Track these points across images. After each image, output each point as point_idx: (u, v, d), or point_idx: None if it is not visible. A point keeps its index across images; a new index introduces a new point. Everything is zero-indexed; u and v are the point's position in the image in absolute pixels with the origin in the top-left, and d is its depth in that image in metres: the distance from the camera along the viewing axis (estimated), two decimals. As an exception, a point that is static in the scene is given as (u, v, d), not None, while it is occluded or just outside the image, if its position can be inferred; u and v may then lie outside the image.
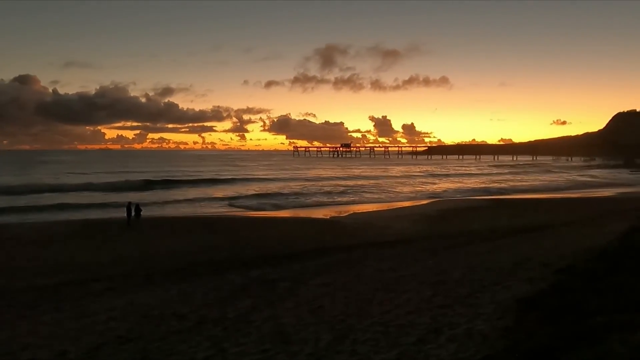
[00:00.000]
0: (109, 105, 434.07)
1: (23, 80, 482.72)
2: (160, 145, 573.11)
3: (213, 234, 21.29)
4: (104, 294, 10.35)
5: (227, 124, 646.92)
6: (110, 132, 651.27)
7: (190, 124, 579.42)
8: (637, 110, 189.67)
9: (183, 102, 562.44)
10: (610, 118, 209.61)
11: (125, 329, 7.13)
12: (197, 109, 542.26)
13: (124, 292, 10.41)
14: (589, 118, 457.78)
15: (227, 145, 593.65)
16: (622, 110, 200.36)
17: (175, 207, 34.89)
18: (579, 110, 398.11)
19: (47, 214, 29.32)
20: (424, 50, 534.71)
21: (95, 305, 9.11)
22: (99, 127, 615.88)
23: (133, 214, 24.66)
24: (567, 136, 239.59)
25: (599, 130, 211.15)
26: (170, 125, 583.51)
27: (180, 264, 14.27)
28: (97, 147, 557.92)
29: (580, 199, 37.87)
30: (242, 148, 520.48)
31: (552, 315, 5.25)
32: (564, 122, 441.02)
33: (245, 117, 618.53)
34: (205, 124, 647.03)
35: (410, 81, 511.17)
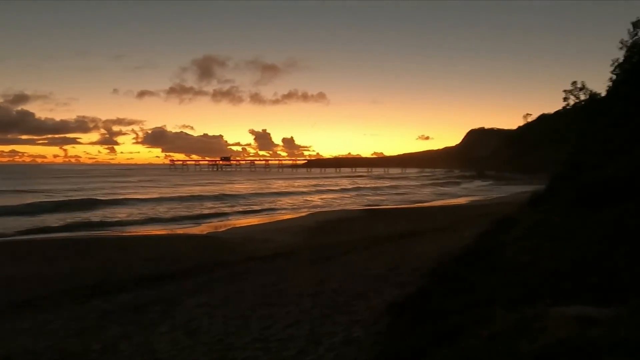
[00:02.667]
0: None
1: None
2: (12, 158, 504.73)
3: (77, 256, 19.25)
4: None
5: (94, 136, 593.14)
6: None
7: (50, 136, 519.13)
8: (485, 127, 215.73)
9: (41, 111, 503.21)
10: (464, 134, 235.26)
11: (-39, 375, 6.07)
12: (57, 118, 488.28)
13: (-39, 331, 8.86)
14: (448, 134, 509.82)
15: (94, 158, 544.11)
16: (473, 127, 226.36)
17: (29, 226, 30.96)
18: (440, 127, 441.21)
19: None
20: (302, 66, 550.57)
21: None
22: None
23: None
24: (430, 150, 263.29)
25: (456, 145, 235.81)
26: (24, 137, 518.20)
27: (36, 293, 12.62)
28: None
29: (441, 207, 41.82)
30: (112, 162, 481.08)
31: (419, 317, 5.65)
32: (427, 137, 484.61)
33: (116, 128, 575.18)
34: (68, 135, 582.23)
35: (290, 96, 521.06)
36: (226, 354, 5.91)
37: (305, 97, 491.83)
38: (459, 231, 16.42)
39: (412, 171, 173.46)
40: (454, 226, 19.52)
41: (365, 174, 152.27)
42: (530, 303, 4.23)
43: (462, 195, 60.09)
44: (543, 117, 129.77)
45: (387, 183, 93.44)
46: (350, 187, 75.59)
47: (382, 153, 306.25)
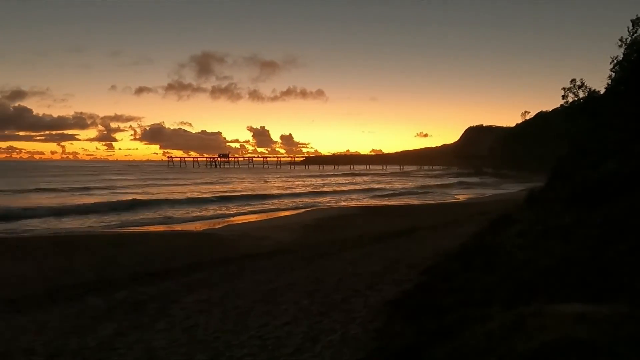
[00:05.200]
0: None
1: None
2: (9, 155, 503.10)
3: (72, 253, 19.21)
4: None
5: (92, 132, 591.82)
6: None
7: (47, 132, 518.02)
8: (484, 125, 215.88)
9: (38, 107, 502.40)
10: (463, 131, 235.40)
11: (-44, 372, 6.05)
12: (55, 115, 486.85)
13: (-43, 328, 8.83)
14: (446, 131, 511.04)
15: (92, 155, 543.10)
16: (472, 125, 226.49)
17: (26, 222, 30.86)
18: (438, 124, 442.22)
19: None
20: (300, 62, 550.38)
21: None
22: None
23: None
24: (428, 147, 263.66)
25: (455, 142, 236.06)
26: (22, 133, 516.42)
27: (31, 291, 12.59)
28: None
29: (438, 204, 41.87)
30: (110, 158, 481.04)
31: (416, 314, 5.65)
32: (425, 135, 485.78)
33: (113, 125, 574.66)
34: (66, 131, 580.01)
35: (288, 92, 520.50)
36: (224, 351, 5.90)
37: (303, 94, 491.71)
38: (456, 228, 16.45)
39: (410, 168, 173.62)
40: (451, 223, 19.55)
41: (366, 171, 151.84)
42: (527, 301, 4.23)
43: (458, 192, 60.21)
44: (541, 115, 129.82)
45: (383, 179, 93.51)
46: (358, 186, 74.90)
47: (380, 150, 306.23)
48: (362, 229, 23.90)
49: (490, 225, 10.92)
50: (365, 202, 46.85)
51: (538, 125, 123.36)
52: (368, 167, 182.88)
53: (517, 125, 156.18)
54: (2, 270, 16.37)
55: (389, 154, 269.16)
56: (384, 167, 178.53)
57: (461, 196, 53.29)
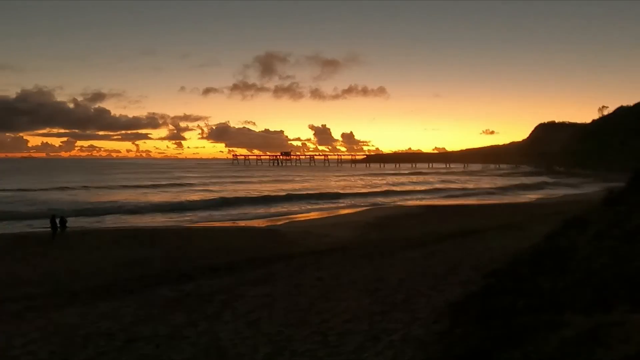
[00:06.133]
0: (32, 111, 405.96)
1: None
2: (90, 153, 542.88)
3: (145, 246, 20.37)
4: (23, 314, 9.52)
5: (163, 132, 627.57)
6: (33, 140, 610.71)
7: (123, 131, 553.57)
8: (556, 121, 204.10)
9: (115, 109, 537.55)
10: (532, 128, 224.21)
11: (46, 352, 6.60)
12: (130, 115, 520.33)
13: (46, 311, 9.64)
14: (514, 128, 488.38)
15: (163, 153, 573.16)
16: (543, 121, 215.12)
17: (108, 218, 33.10)
18: (506, 121, 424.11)
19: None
20: (362, 60, 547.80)
21: (13, 327, 8.36)
22: (21, 134, 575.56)
23: (58, 226, 23.09)
24: (495, 145, 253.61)
25: (523, 140, 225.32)
26: (101, 133, 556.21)
27: (109, 280, 13.51)
28: (18, 155, 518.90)
29: (506, 204, 40.13)
30: (179, 156, 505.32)
31: (483, 318, 5.45)
32: (492, 132, 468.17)
33: (183, 124, 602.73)
34: (140, 131, 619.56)
35: (349, 90, 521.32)
36: (286, 345, 6.01)
37: (365, 91, 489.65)
38: (525, 230, 15.68)
39: (475, 167, 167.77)
40: (519, 224, 18.67)
41: (429, 170, 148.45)
42: (606, 309, 3.95)
43: (527, 191, 57.33)
44: (621, 110, 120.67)
45: (447, 177, 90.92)
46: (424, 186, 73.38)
47: (443, 148, 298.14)
48: (425, 228, 23.44)
49: (563, 227, 10.30)
50: (428, 201, 45.86)
51: (618, 121, 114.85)
52: (430, 166, 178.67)
53: (593, 121, 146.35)
54: (85, 261, 17.67)
55: (452, 152, 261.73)
56: (448, 166, 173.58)
57: (531, 196, 50.73)
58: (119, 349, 6.45)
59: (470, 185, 68.50)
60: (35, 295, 11.84)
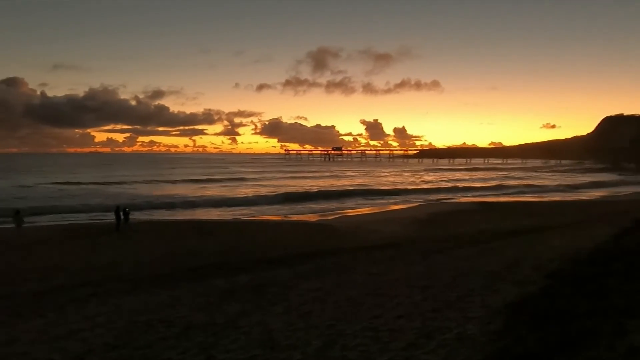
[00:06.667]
0: (98, 108, 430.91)
1: (10, 82, 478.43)
2: (150, 148, 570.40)
3: (202, 238, 21.12)
4: (90, 299, 10.18)
5: (218, 127, 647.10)
6: (99, 135, 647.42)
7: (181, 127, 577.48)
8: (625, 114, 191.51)
9: (174, 105, 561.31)
10: (598, 122, 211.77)
11: (111, 335, 7.00)
12: (187, 111, 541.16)
13: (110, 297, 10.25)
14: (578, 122, 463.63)
15: (218, 148, 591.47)
16: (610, 114, 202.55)
17: (167, 210, 34.59)
18: (568, 114, 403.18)
19: (37, 217, 28.91)
20: (415, 54, 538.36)
21: (81, 311, 8.95)
22: (88, 130, 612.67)
23: (122, 217, 24.40)
24: (556, 139, 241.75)
25: (588, 134, 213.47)
26: (160, 128, 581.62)
27: (168, 269, 14.12)
28: (86, 150, 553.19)
29: (569, 201, 38.19)
30: (234, 151, 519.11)
31: (542, 320, 5.24)
32: (553, 126, 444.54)
33: (237, 120, 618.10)
34: (196, 127, 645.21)
35: (402, 85, 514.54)
36: (337, 339, 6.04)
37: (418, 85, 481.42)
38: (588, 229, 14.86)
39: (534, 162, 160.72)
40: (582, 223, 17.73)
41: (485, 165, 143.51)
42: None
43: (592, 189, 54.21)
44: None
45: (506, 174, 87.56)
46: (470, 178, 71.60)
47: (500, 143, 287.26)
48: (480, 225, 22.78)
49: (633, 227, 9.69)
50: (483, 197, 44.46)
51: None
52: (486, 161, 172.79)
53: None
54: (145, 251, 18.56)
55: (510, 146, 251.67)
56: (504, 161, 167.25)
57: (595, 193, 47.99)
58: (177, 336, 6.74)
59: (528, 182, 65.61)
60: (101, 282, 12.60)
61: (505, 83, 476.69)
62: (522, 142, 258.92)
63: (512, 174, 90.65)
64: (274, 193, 46.02)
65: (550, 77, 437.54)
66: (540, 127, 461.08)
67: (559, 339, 4.39)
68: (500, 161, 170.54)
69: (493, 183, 64.06)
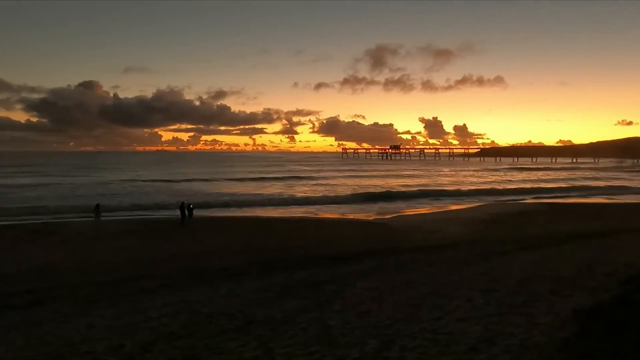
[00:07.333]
0: (165, 109, 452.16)
1: (87, 85, 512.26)
2: (213, 147, 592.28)
3: (262, 234, 21.62)
4: (157, 290, 10.71)
5: (277, 126, 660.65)
6: (166, 135, 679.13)
7: (242, 126, 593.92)
8: None
9: (235, 105, 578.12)
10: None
11: (177, 325, 7.32)
12: (248, 111, 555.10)
13: (176, 289, 10.74)
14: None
15: (277, 147, 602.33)
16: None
17: (229, 207, 35.73)
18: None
19: (112, 213, 30.82)
20: (477, 49, 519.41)
21: (149, 301, 9.44)
22: (156, 130, 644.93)
23: (186, 213, 25.50)
24: (633, 137, 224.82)
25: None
26: (222, 128, 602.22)
27: (230, 264, 14.58)
28: (154, 148, 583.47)
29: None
30: (292, 150, 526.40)
31: (617, 330, 4.91)
32: (630, 123, 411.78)
33: (295, 119, 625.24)
34: (256, 126, 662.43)
35: (463, 81, 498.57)
36: (395, 339, 5.97)
37: (480, 81, 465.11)
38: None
39: (607, 161, 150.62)
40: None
41: (552, 165, 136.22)
42: None
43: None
44: None
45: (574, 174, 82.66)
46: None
47: (569, 141, 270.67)
48: (546, 227, 21.70)
49: None
50: (550, 198, 42.26)
51: None
52: (554, 160, 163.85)
53: None
54: (208, 245, 19.26)
55: (580, 145, 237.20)
56: (574, 160, 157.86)
57: (678, 195, 44.21)
58: (238, 329, 6.93)
59: (600, 183, 61.48)
60: (167, 274, 13.23)
61: (576, 78, 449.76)
62: (594, 140, 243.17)
63: (583, 174, 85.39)
64: (333, 191, 46.21)
65: (625, 70, 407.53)
66: (615, 124, 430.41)
67: (636, 351, 4.10)
68: (569, 160, 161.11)
69: (561, 183, 60.70)
